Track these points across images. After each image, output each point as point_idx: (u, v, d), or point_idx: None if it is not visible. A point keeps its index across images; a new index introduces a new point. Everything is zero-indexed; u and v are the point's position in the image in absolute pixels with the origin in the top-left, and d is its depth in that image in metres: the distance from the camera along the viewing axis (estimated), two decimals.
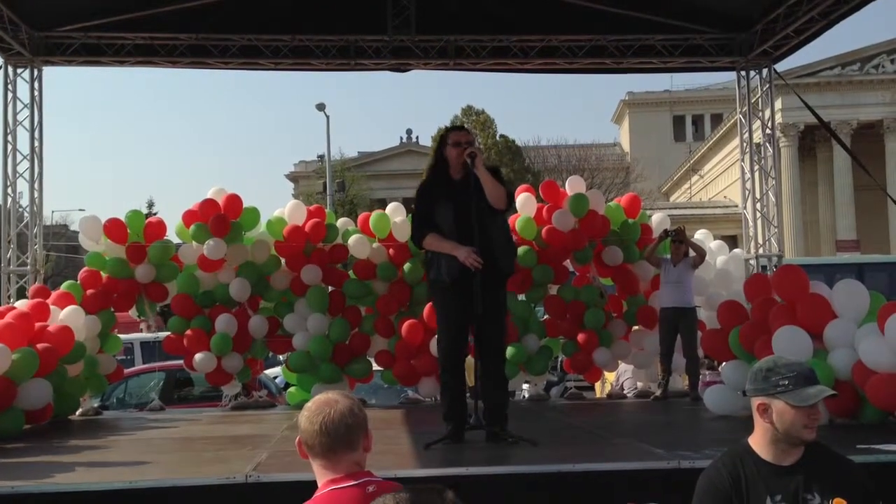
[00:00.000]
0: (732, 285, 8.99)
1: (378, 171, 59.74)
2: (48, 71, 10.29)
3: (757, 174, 10.87)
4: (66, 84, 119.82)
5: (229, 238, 8.58)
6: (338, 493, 2.41)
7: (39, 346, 7.15)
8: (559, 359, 10.00)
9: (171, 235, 9.24)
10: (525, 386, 9.91)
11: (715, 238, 10.26)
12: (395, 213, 8.95)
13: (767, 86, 10.74)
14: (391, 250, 8.74)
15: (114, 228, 8.68)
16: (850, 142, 34.44)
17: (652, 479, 4.49)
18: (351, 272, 8.89)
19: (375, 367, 9.01)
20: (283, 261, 8.81)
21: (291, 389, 9.00)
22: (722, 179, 51.12)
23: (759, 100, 10.95)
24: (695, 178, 57.77)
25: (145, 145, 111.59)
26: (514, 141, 46.08)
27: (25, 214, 10.00)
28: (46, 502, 4.35)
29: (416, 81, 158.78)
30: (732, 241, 26.10)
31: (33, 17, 9.58)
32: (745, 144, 11.12)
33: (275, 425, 7.18)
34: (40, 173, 10.01)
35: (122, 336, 9.80)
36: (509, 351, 8.12)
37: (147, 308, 9.05)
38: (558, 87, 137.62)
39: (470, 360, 5.93)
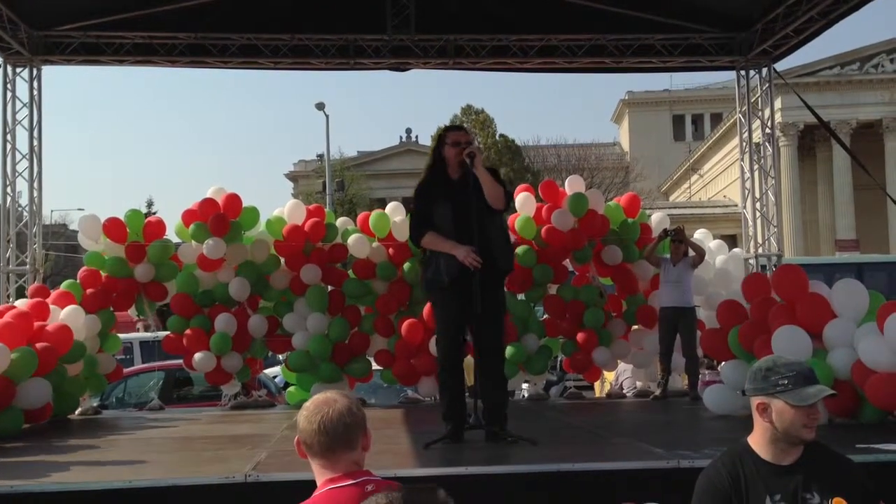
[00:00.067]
0: (732, 285, 8.99)
1: (377, 171, 59.73)
2: (47, 70, 10.31)
3: (756, 174, 10.88)
4: (65, 83, 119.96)
5: (229, 237, 8.58)
6: (336, 492, 2.41)
7: (38, 345, 7.15)
8: (559, 358, 9.99)
9: (171, 235, 9.24)
10: (524, 385, 9.91)
11: (714, 237, 10.26)
12: (395, 213, 8.94)
13: (767, 85, 10.75)
14: (391, 250, 8.74)
15: (113, 228, 8.67)
16: (849, 141, 34.45)
17: (651, 479, 4.49)
18: (350, 272, 8.89)
19: (375, 366, 9.00)
20: (282, 260, 8.81)
21: (291, 389, 8.99)
22: (721, 179, 51.14)
23: (759, 99, 10.96)
24: (694, 177, 57.79)
25: (145, 144, 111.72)
26: (513, 140, 46.11)
27: (24, 214, 10.01)
28: (46, 502, 4.34)
29: (416, 81, 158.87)
30: (732, 241, 26.13)
31: (32, 16, 9.57)
32: (744, 144, 11.12)
33: (274, 425, 7.18)
34: (39, 172, 10.02)
35: (121, 336, 9.79)
36: (509, 350, 8.12)
37: (146, 307, 9.06)
38: (558, 86, 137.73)
39: (469, 359, 5.93)
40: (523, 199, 9.13)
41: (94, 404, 8.95)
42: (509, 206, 6.05)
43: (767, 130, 10.99)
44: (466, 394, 6.03)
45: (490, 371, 5.72)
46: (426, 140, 52.70)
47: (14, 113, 9.88)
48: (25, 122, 9.92)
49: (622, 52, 10.45)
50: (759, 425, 2.79)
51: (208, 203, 8.67)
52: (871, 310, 6.46)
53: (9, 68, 9.90)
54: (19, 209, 10.04)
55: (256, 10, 9.93)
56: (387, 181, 57.43)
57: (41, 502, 4.33)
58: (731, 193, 45.51)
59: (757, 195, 10.81)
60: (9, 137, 9.82)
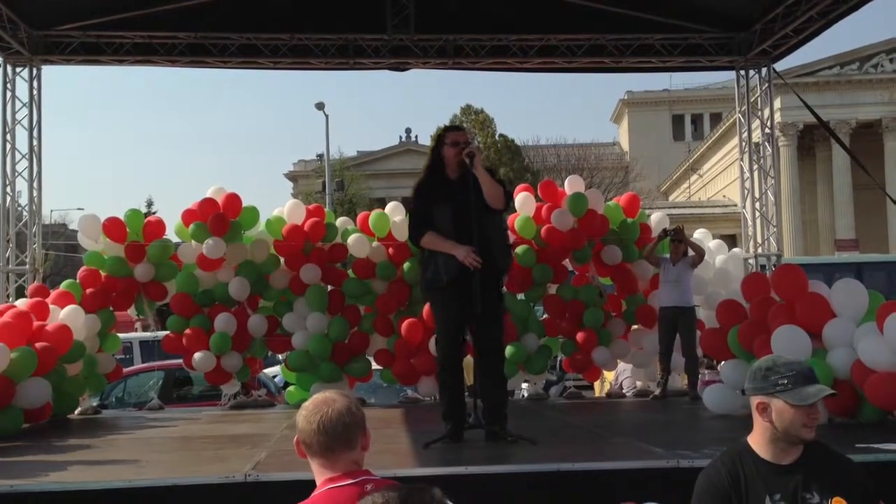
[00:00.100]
0: (731, 284, 8.99)
1: (377, 171, 59.72)
2: (47, 70, 10.31)
3: (756, 173, 10.88)
4: (64, 83, 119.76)
5: (228, 237, 8.58)
6: (336, 491, 2.42)
7: (38, 345, 7.14)
8: (558, 358, 9.99)
9: (171, 234, 9.24)
10: (524, 385, 9.91)
11: (714, 237, 10.26)
12: (395, 213, 8.95)
13: (766, 85, 10.75)
14: (390, 249, 8.74)
15: (113, 227, 8.67)
16: (848, 141, 34.43)
17: (651, 478, 4.49)
18: (350, 271, 8.89)
19: (375, 366, 9.01)
20: (282, 260, 8.81)
21: (290, 388, 8.99)
22: (721, 179, 51.14)
23: (759, 99, 10.97)
24: (694, 177, 57.79)
25: (144, 144, 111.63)
26: (513, 140, 46.08)
27: (24, 213, 10.01)
28: (45, 501, 4.34)
29: (416, 80, 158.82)
30: (731, 241, 26.14)
31: (32, 15, 9.57)
32: (744, 144, 11.12)
33: (274, 424, 7.17)
34: (39, 172, 10.02)
35: (120, 335, 9.79)
36: (508, 350, 8.12)
37: (146, 307, 9.06)
38: (557, 86, 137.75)
39: (469, 359, 5.92)
40: (523, 199, 9.13)
41: (94, 404, 8.95)
42: (508, 206, 6.05)
43: (767, 130, 10.99)
44: (466, 393, 6.03)
45: (490, 371, 5.72)
46: (426, 140, 52.68)
47: (14, 112, 9.88)
48: (25, 122, 9.92)
49: (622, 51, 10.46)
50: (758, 425, 2.79)
51: (208, 203, 8.67)
52: (871, 309, 6.46)
53: (8, 68, 9.91)
54: (19, 209, 10.05)
55: (256, 9, 9.93)
56: (386, 181, 57.41)
57: (41, 502, 4.33)
58: (730, 193, 45.52)
59: (756, 195, 10.82)
60: (8, 137, 9.83)
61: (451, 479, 4.35)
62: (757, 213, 10.77)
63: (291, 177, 63.74)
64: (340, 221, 9.28)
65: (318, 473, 2.50)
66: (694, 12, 10.11)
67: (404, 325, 8.60)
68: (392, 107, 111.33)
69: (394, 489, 1.94)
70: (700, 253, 8.81)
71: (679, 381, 9.20)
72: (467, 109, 47.22)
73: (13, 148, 9.86)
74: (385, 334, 8.81)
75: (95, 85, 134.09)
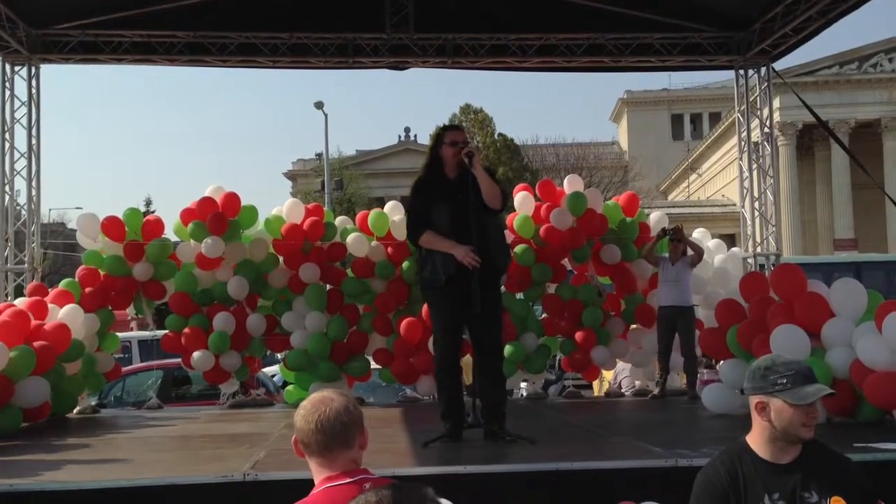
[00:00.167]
0: (730, 284, 8.98)
1: (376, 170, 59.68)
2: (46, 69, 10.31)
3: (755, 173, 10.88)
4: (63, 82, 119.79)
5: (227, 236, 8.58)
6: (334, 490, 2.42)
7: (37, 344, 7.14)
8: (557, 357, 10.00)
9: (169, 233, 9.23)
10: (523, 384, 9.91)
11: (713, 237, 10.26)
12: (394, 212, 8.94)
13: (766, 84, 10.76)
14: (389, 248, 8.74)
15: (111, 226, 8.67)
16: (847, 141, 34.45)
17: (650, 478, 4.50)
18: (349, 270, 8.89)
19: (374, 365, 9.01)
20: (281, 259, 8.81)
21: (289, 387, 8.99)
22: (720, 178, 51.15)
23: (758, 98, 10.97)
24: (693, 176, 57.78)
25: (143, 143, 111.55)
26: (512, 139, 46.07)
27: (23, 212, 10.01)
28: (44, 500, 4.34)
29: (415, 80, 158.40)
30: (730, 240, 26.13)
31: (31, 14, 9.57)
32: (743, 143, 11.12)
33: (273, 423, 7.17)
34: (38, 171, 10.01)
35: (119, 334, 9.79)
36: (507, 349, 8.13)
37: (145, 306, 9.06)
38: (557, 85, 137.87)
39: (468, 358, 5.92)
40: (522, 199, 9.13)
41: (93, 403, 8.95)
42: (506, 206, 6.06)
43: (766, 130, 10.99)
44: (465, 393, 6.03)
45: (489, 370, 5.73)
46: (425, 139, 52.67)
47: (13, 111, 9.88)
48: (24, 121, 9.92)
49: (621, 51, 10.46)
50: (757, 424, 2.79)
51: (207, 202, 8.66)
52: (870, 309, 6.46)
53: (7, 67, 9.90)
54: (17, 208, 10.05)
55: (255, 8, 9.92)
56: (385, 180, 57.38)
57: (40, 501, 4.33)
58: (729, 193, 45.53)
59: (755, 194, 10.82)
60: (7, 136, 9.82)
61: (449, 479, 4.35)
62: (756, 213, 10.77)
63: (290, 176, 63.71)
64: (339, 220, 9.27)
65: (317, 472, 2.50)
66: (693, 11, 10.11)
67: (403, 324, 8.60)
68: (391, 106, 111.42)
69: (387, 488, 1.95)
70: (699, 252, 8.81)
71: (678, 380, 9.20)
72: (466, 108, 47.19)
73: (12, 147, 9.85)
74: (384, 333, 8.81)
75: (94, 84, 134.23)
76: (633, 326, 9.32)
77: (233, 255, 8.64)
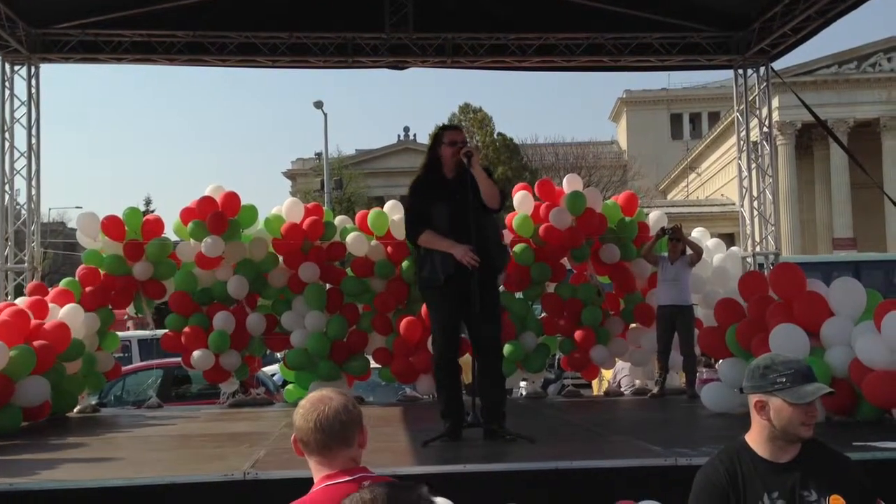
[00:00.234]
0: (729, 283, 8.99)
1: (376, 169, 59.66)
2: (45, 68, 10.31)
3: (754, 172, 10.89)
4: (63, 81, 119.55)
5: (227, 235, 8.58)
6: (333, 488, 2.42)
7: (37, 343, 7.14)
8: (557, 356, 10.01)
9: (169, 233, 9.24)
10: (522, 383, 9.91)
11: (712, 236, 10.27)
12: (393, 211, 8.95)
13: (765, 84, 10.76)
14: (389, 248, 8.75)
15: (111, 226, 8.67)
16: (846, 140, 34.49)
17: (649, 477, 4.50)
18: (349, 270, 8.89)
19: (373, 364, 9.01)
20: (280, 258, 8.81)
21: (289, 387, 8.99)
22: (719, 177, 51.15)
23: (757, 98, 10.98)
24: (692, 176, 57.79)
25: (143, 143, 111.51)
26: (511, 139, 46.04)
27: (23, 212, 10.01)
28: (44, 500, 4.34)
29: (414, 79, 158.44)
30: (729, 239, 26.09)
31: (30, 14, 9.57)
32: (742, 142, 11.13)
33: (272, 422, 7.18)
34: (37, 170, 10.02)
35: (119, 333, 9.80)
36: (507, 348, 8.13)
37: (144, 305, 9.06)
38: (556, 84, 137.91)
39: (467, 357, 5.93)
40: (521, 198, 9.14)
41: (93, 402, 8.95)
42: (504, 206, 6.06)
43: (765, 129, 11.00)
44: (464, 392, 6.03)
45: (488, 369, 5.73)
46: (424, 138, 52.58)
47: (12, 111, 9.88)
48: (24, 120, 9.92)
49: (620, 50, 10.46)
50: (756, 423, 2.80)
51: (206, 201, 8.67)
52: (869, 308, 6.46)
53: (7, 66, 9.90)
54: (17, 207, 10.05)
55: (254, 8, 9.93)
56: (385, 179, 57.35)
57: (40, 500, 4.33)
58: (728, 192, 45.52)
59: (754, 194, 10.83)
60: (7, 135, 9.82)
61: (449, 478, 4.36)
62: (755, 212, 10.78)
63: (290, 175, 63.69)
64: (339, 220, 9.27)
65: (316, 471, 2.51)
66: (692, 11, 10.11)
67: (403, 323, 8.61)
68: (390, 105, 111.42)
69: (382, 485, 1.96)
70: (698, 251, 8.81)
71: (677, 379, 9.20)
72: (466, 108, 47.16)
73: (12, 146, 9.85)
74: (383, 333, 8.81)
75: (94, 83, 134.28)
76: (633, 325, 9.33)
77: (232, 255, 8.65)
